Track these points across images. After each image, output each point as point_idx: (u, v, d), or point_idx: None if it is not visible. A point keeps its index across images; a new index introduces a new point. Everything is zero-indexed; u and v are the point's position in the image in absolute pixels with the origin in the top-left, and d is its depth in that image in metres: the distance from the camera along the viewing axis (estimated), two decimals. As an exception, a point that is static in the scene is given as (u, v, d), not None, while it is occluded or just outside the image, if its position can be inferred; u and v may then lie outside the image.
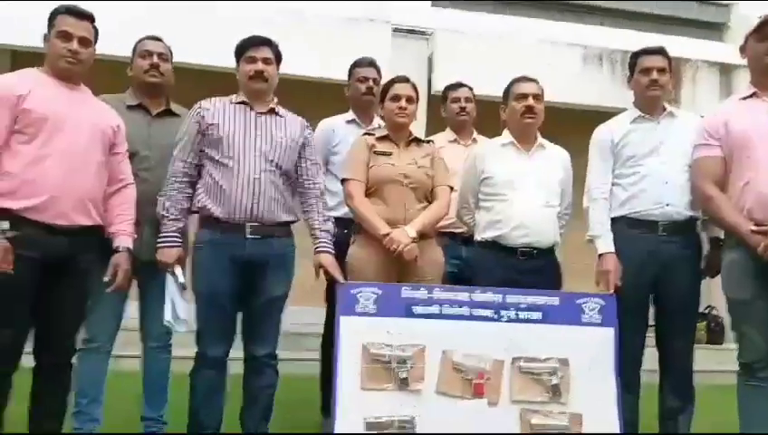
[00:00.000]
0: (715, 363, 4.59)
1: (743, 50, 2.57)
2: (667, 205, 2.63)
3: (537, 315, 2.48)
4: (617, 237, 2.69)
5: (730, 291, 2.48)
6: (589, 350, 2.47)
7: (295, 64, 5.11)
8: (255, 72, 2.51)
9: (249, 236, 2.42)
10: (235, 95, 2.57)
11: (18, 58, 5.10)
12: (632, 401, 2.65)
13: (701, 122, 2.64)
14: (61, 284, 2.27)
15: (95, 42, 2.39)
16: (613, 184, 2.76)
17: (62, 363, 2.36)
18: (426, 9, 6.32)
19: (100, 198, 2.36)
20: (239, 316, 2.52)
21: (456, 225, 3.08)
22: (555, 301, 2.52)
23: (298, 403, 3.44)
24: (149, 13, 4.83)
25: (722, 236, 2.65)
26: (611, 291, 2.59)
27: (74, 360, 2.45)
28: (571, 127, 4.12)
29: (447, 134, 3.47)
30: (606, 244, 2.69)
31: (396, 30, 5.93)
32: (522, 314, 2.48)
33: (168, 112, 2.76)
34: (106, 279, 2.35)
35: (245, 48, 2.55)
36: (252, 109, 2.53)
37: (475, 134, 3.48)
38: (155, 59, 2.71)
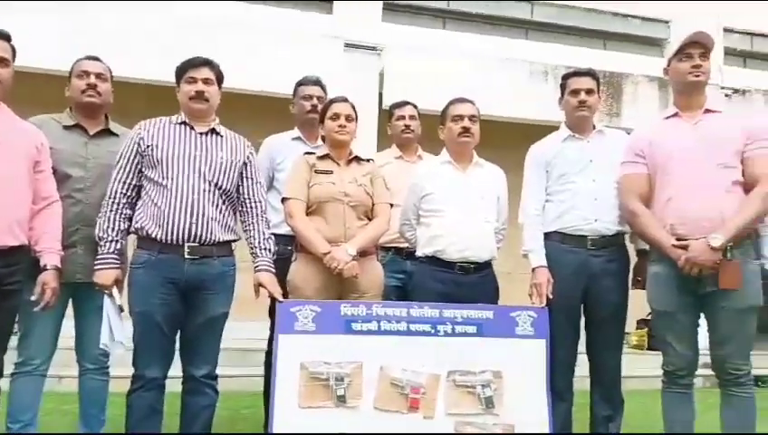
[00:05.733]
0: (654, 369, 4.74)
1: (666, 72, 2.71)
2: (596, 220, 2.75)
3: (472, 329, 2.56)
4: (549, 252, 2.80)
5: (654, 302, 2.60)
6: (522, 361, 2.56)
7: (246, 79, 5.15)
8: (196, 93, 2.53)
9: (187, 256, 2.42)
10: (176, 115, 2.59)
11: None
12: (565, 409, 2.75)
13: (627, 140, 2.77)
14: None
15: (13, 60, 2.36)
16: (546, 201, 2.87)
17: None
18: (377, 25, 6.42)
19: (25, 218, 2.33)
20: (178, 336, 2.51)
21: (401, 239, 3.14)
22: (490, 314, 2.60)
23: (241, 420, 3.43)
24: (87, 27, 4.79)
25: (648, 249, 2.77)
26: (543, 303, 2.69)
27: (4, 383, 2.39)
28: (512, 140, 4.22)
29: (393, 151, 3.52)
30: (539, 258, 2.79)
31: (347, 45, 6.01)
32: (458, 328, 2.55)
33: (107, 132, 2.74)
34: (33, 298, 2.32)
35: (186, 69, 2.57)
36: (192, 129, 2.55)
37: (420, 151, 3.52)
38: (92, 79, 2.68)
